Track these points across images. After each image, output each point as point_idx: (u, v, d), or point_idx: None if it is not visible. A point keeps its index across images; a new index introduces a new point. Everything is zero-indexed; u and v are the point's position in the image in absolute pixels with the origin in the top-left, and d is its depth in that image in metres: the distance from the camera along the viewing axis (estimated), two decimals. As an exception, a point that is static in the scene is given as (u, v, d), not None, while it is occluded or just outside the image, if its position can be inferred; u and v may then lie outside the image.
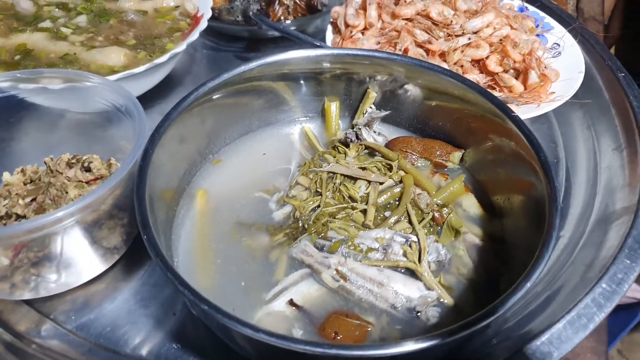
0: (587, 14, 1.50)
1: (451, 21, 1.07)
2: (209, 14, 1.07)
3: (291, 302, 0.72)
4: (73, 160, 0.89)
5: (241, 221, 0.83)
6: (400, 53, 1.04)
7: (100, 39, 1.04)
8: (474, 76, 1.05)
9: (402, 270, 0.75)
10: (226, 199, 0.86)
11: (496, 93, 1.04)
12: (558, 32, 1.18)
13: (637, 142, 0.88)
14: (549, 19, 1.21)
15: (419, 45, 1.06)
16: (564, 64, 1.09)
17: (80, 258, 0.76)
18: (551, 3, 1.25)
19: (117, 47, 1.00)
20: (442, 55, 1.06)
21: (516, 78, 1.06)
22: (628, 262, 0.68)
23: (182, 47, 0.98)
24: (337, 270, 0.74)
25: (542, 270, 0.57)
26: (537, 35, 1.16)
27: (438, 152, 0.91)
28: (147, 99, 1.10)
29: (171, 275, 0.57)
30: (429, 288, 0.72)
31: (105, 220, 0.78)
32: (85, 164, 0.88)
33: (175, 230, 0.81)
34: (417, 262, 0.74)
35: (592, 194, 0.89)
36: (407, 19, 1.11)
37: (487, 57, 1.05)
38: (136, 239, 0.85)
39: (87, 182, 0.85)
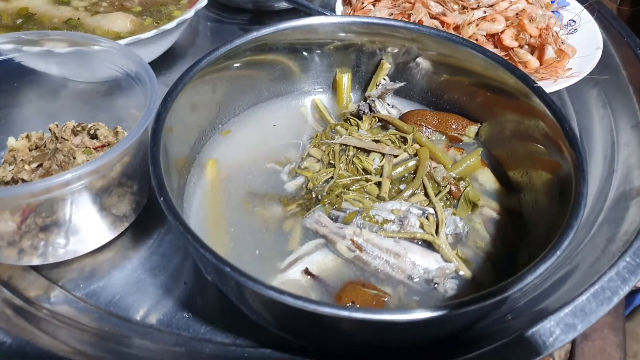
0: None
1: (466, -6, 1.04)
2: (217, -19, 1.04)
3: (306, 271, 0.70)
4: (78, 128, 0.87)
5: (253, 191, 0.80)
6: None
7: (104, 4, 1.01)
8: (489, 50, 1.02)
9: (420, 242, 0.73)
10: (237, 169, 0.84)
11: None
12: (574, 9, 1.15)
13: (657, 119, 0.86)
14: (564, -5, 1.18)
15: (434, 17, 1.04)
16: (581, 41, 1.07)
17: (88, 225, 0.74)
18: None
19: (123, 13, 0.97)
20: (457, 28, 1.04)
21: (531, 54, 1.04)
22: (651, 236, 0.67)
23: (190, 13, 0.95)
24: (352, 241, 0.72)
25: (571, 240, 0.56)
26: (553, 11, 1.14)
27: (453, 126, 0.90)
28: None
29: (191, 237, 0.55)
30: (446, 260, 0.71)
31: (115, 188, 0.76)
32: (92, 132, 0.85)
33: (187, 198, 0.79)
34: (434, 234, 0.73)
35: (610, 172, 0.88)
36: (421, -9, 1.08)
37: (502, 32, 1.03)
38: (145, 208, 0.83)
39: (94, 149, 0.82)
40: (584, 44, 1.06)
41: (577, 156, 0.65)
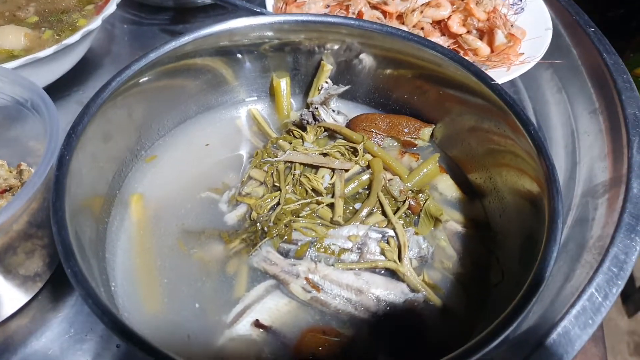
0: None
1: (407, -22, 0.96)
2: (126, -20, 0.90)
3: (257, 323, 0.61)
4: (-28, 170, 0.73)
5: (188, 229, 0.70)
6: (354, 17, 0.92)
7: (-8, 16, 0.85)
8: (436, 39, 0.95)
9: (382, 272, 0.65)
10: (167, 203, 0.73)
11: (461, 57, 0.94)
12: (518, -13, 1.09)
13: (616, 104, 0.81)
14: (507, -27, 1.12)
15: (374, 7, 0.94)
16: (529, 21, 1.01)
17: (-12, 293, 0.61)
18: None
19: (15, 26, 0.82)
20: (400, 17, 0.95)
21: (480, 39, 0.97)
22: (628, 241, 0.62)
23: (96, 22, 0.81)
24: (307, 279, 0.63)
25: (552, 266, 0.49)
26: (498, -9, 1.07)
27: (406, 130, 0.82)
28: (61, 88, 0.93)
29: (107, 318, 0.44)
30: (413, 290, 0.63)
31: (21, 243, 0.63)
32: (-12, 174, 0.72)
33: (110, 247, 0.67)
34: (397, 260, 0.65)
35: (573, 163, 0.83)
36: (357, -22, 0.98)
37: (448, 18, 0.95)
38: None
39: (-10, 197, 0.69)
40: (532, 24, 1.00)
41: (546, 164, 0.59)
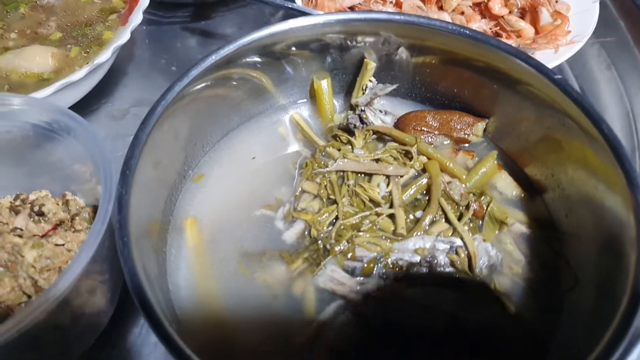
0: None
1: (443, -41, 0.90)
2: (148, -15, 0.85)
3: (333, 349, 0.59)
4: (17, 203, 0.71)
5: (247, 251, 0.68)
6: (393, 6, 0.87)
7: (13, 36, 0.80)
8: (477, 24, 0.90)
9: (455, 284, 0.64)
10: (222, 225, 0.70)
11: (504, 40, 0.89)
12: (555, -45, 1.02)
13: (676, 82, 0.77)
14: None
15: (412, -7, 0.89)
16: (571, -7, 0.96)
17: (60, 339, 0.60)
18: None
19: (40, 46, 0.77)
20: (439, 1, 0.90)
21: (522, 18, 0.92)
22: None
23: (125, 35, 0.77)
24: (377, 299, 0.62)
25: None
26: (535, -38, 1.01)
27: (458, 126, 0.78)
28: (88, 102, 0.89)
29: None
30: (488, 302, 0.62)
31: (82, 282, 0.61)
32: (36, 207, 0.70)
33: (171, 277, 0.66)
34: (468, 271, 0.63)
35: (632, 147, 0.79)
36: (390, -37, 0.92)
37: (489, -1, 0.90)
38: (124, 290, 0.69)
39: (42, 236, 0.67)
40: (575, -4, 0.95)
41: (626, 169, 0.56)
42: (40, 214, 0.69)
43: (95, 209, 0.72)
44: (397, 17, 0.73)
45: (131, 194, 0.56)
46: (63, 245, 0.65)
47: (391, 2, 0.87)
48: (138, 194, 0.58)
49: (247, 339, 0.61)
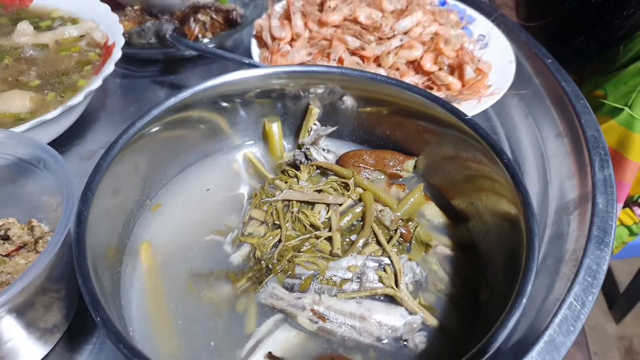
0: (499, 1, 1.54)
1: (380, 24, 1.04)
2: (121, 41, 0.96)
3: (270, 356, 0.65)
4: (-17, 229, 0.77)
5: (196, 272, 0.74)
6: (336, 63, 1.00)
7: (-5, 82, 0.90)
8: (411, 78, 1.03)
9: (381, 298, 0.71)
10: (175, 249, 0.77)
11: (435, 92, 1.02)
12: (481, 23, 1.19)
13: (577, 128, 0.89)
14: (470, 11, 1.22)
15: (353, 53, 1.02)
16: (493, 55, 1.10)
17: (12, 349, 0.64)
18: (470, -5, 1.26)
19: (20, 91, 0.87)
20: (377, 59, 1.03)
21: (451, 74, 1.05)
22: (598, 252, 0.69)
23: (97, 82, 0.87)
24: (313, 311, 0.68)
25: (533, 280, 0.55)
26: (463, 28, 1.17)
27: (391, 163, 0.88)
28: (61, 143, 0.97)
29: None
30: (411, 313, 0.69)
31: (38, 297, 0.67)
32: (1, 232, 0.75)
33: (125, 294, 0.71)
34: (394, 286, 0.71)
35: (545, 183, 0.90)
36: (335, 26, 1.06)
37: (421, 57, 1.04)
38: (79, 307, 0.74)
39: (6, 255, 0.73)
40: (497, 57, 1.09)
41: (520, 190, 0.66)
42: (6, 237, 0.75)
43: (58, 233, 0.78)
44: (335, 69, 0.84)
45: (90, 212, 0.63)
46: (25, 264, 0.71)
47: (334, 60, 1.00)
48: (97, 215, 0.65)
49: (193, 352, 0.66)
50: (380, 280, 0.71)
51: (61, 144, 0.97)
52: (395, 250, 0.75)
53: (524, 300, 0.54)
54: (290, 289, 0.71)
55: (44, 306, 0.68)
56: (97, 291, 0.56)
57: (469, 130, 0.75)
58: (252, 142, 0.94)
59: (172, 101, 0.77)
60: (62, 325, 0.71)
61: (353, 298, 0.70)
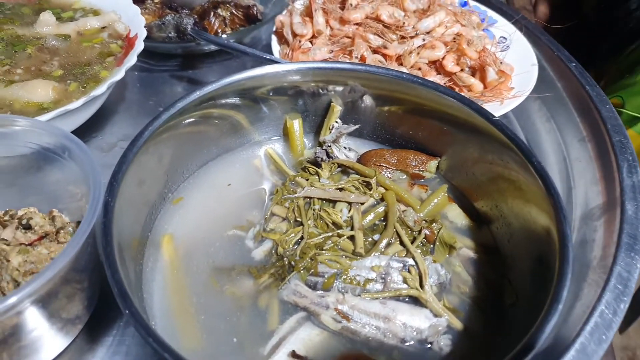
0: (517, 4, 1.54)
1: (403, 23, 1.03)
2: (143, 33, 0.96)
3: (293, 354, 0.64)
4: (6, 217, 0.76)
5: (218, 266, 0.74)
6: (358, 61, 0.99)
7: (19, 71, 0.89)
8: (432, 78, 1.02)
9: (406, 299, 0.70)
10: (196, 242, 0.77)
11: (457, 93, 1.01)
12: (502, 25, 1.18)
13: (603, 133, 0.89)
14: (491, 12, 1.21)
15: (375, 51, 1.02)
16: (515, 57, 1.10)
17: (36, 339, 0.64)
18: (490, -4, 1.25)
19: (43, 80, 0.86)
20: (399, 58, 1.02)
21: (473, 76, 1.04)
22: (629, 259, 0.68)
23: (120, 73, 0.86)
24: (337, 310, 0.68)
25: (569, 287, 0.54)
26: (484, 30, 1.16)
27: (413, 163, 0.88)
28: (80, 134, 0.94)
29: (168, 354, 0.48)
30: (436, 315, 0.68)
31: (62, 287, 0.66)
32: (24, 221, 0.75)
33: (147, 287, 0.71)
34: (419, 288, 0.70)
35: (568, 188, 0.89)
36: (357, 24, 1.06)
37: (443, 58, 1.03)
38: (100, 299, 0.73)
39: (29, 244, 0.72)
40: (518, 60, 1.09)
41: (552, 193, 0.65)
42: (28, 227, 0.74)
43: (79, 224, 0.78)
44: (359, 67, 0.84)
45: (116, 203, 0.63)
46: (47, 254, 0.70)
47: (356, 57, 0.99)
48: (122, 206, 0.64)
49: (215, 347, 0.66)
50: (405, 281, 0.71)
51: (80, 135, 0.95)
52: (419, 251, 0.74)
53: (560, 307, 0.53)
54: (313, 286, 0.71)
55: (67, 296, 0.67)
56: (125, 283, 0.56)
57: (497, 132, 0.74)
58: (273, 138, 0.93)
59: (198, 94, 0.77)
60: (83, 317, 0.70)
61: (377, 298, 0.69)
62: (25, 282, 0.59)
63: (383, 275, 0.71)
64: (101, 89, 0.82)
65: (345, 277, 0.71)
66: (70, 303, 0.67)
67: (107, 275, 0.55)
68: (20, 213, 0.77)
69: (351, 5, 1.07)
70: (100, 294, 0.74)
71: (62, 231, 0.75)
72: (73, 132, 0.91)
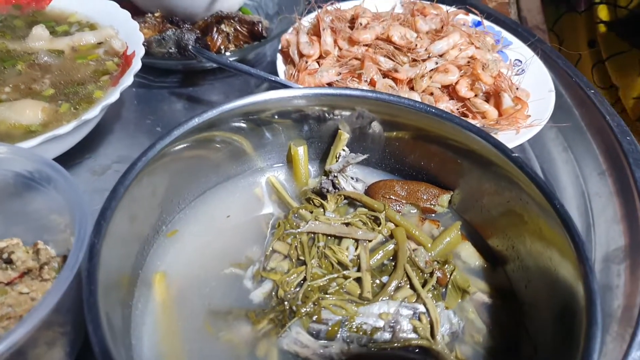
0: (530, 23, 1.49)
1: (415, 45, 0.99)
2: (141, 51, 0.91)
3: (293, 412, 0.59)
4: (-15, 251, 0.71)
5: (214, 309, 0.68)
6: (367, 85, 0.94)
7: (7, 90, 0.84)
8: (445, 104, 0.97)
9: (416, 350, 0.65)
10: (191, 281, 0.71)
11: (470, 120, 0.96)
12: (517, 48, 1.13)
13: (624, 166, 0.83)
14: (505, 33, 1.16)
15: (385, 74, 0.97)
16: (530, 82, 1.05)
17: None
18: (505, 17, 1.21)
19: (32, 100, 0.81)
20: (410, 82, 0.97)
21: (487, 102, 0.99)
22: (658, 313, 0.63)
23: (114, 95, 0.81)
24: (341, 362, 0.62)
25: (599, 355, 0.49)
26: (498, 52, 1.11)
27: (424, 197, 0.82)
28: (72, 156, 0.92)
29: None
30: (448, 369, 0.63)
31: (42, 333, 0.61)
32: (4, 255, 0.70)
33: (136, 332, 0.65)
34: (430, 338, 0.65)
35: (588, 225, 0.84)
36: (366, 45, 1.01)
37: (456, 82, 0.98)
38: (86, 341, 0.68)
39: (8, 283, 0.67)
40: (534, 85, 1.04)
41: (576, 242, 0.59)
42: (9, 261, 0.69)
43: (65, 258, 0.72)
44: (369, 94, 0.79)
45: (103, 244, 0.57)
46: (27, 294, 0.65)
47: (366, 81, 0.95)
48: (111, 245, 0.59)
49: (207, 399, 0.61)
50: (415, 330, 0.65)
51: (72, 157, 0.92)
52: (431, 296, 0.69)
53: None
54: (316, 335, 0.65)
55: (47, 343, 0.62)
56: (104, 329, 0.50)
57: (515, 169, 0.69)
58: (276, 165, 0.88)
59: (196, 121, 0.72)
60: (65, 364, 0.65)
61: (385, 349, 0.64)
62: (1, 336, 0.54)
63: (392, 324, 0.66)
64: (93, 112, 0.77)
65: (351, 325, 0.65)
66: (51, 350, 0.62)
67: (88, 330, 0.50)
68: (2, 245, 0.71)
69: (361, 24, 1.03)
70: (86, 336, 0.68)
71: (46, 267, 0.70)
72: (64, 154, 0.87)
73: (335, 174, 0.83)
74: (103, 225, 0.58)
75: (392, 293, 0.69)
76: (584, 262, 0.58)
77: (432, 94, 0.98)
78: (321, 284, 0.69)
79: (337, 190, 0.82)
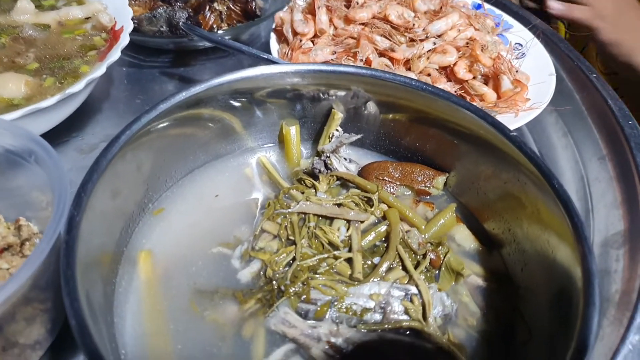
0: (529, 5, 1.46)
1: (412, 24, 0.96)
2: (130, 26, 0.88)
3: (279, 393, 0.57)
4: (-35, 226, 0.69)
5: (200, 288, 0.66)
6: (362, 64, 0.92)
7: (-10, 63, 0.82)
8: (443, 85, 0.95)
9: (407, 332, 0.63)
10: (177, 260, 0.69)
11: (468, 103, 0.94)
12: (517, 31, 1.11)
13: (625, 151, 0.81)
14: (506, 17, 1.14)
15: (381, 54, 0.94)
16: (531, 66, 1.02)
17: (-14, 369, 0.57)
18: None
19: (15, 74, 0.78)
20: (407, 63, 0.95)
21: (485, 84, 0.97)
22: (657, 297, 0.61)
23: (101, 69, 0.79)
24: (329, 343, 0.60)
25: (594, 337, 0.47)
26: (499, 35, 1.08)
27: (419, 178, 0.80)
28: (59, 133, 0.89)
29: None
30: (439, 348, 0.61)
31: (20, 309, 0.59)
32: (-16, 231, 0.67)
33: (119, 310, 0.63)
34: (422, 320, 0.63)
35: (586, 210, 0.82)
36: (362, 24, 0.98)
37: (455, 64, 0.95)
38: (66, 321, 0.66)
39: (-12, 259, 0.65)
40: (535, 69, 1.02)
41: (574, 222, 0.57)
42: (-12, 237, 0.67)
43: (47, 236, 0.70)
44: (364, 71, 0.76)
45: (83, 217, 0.55)
46: (7, 269, 0.63)
47: (361, 60, 0.92)
48: (91, 219, 0.57)
49: (191, 380, 0.59)
50: (406, 311, 0.63)
51: (59, 135, 0.90)
52: (423, 278, 0.67)
53: (587, 356, 0.46)
54: (304, 315, 0.63)
55: (26, 319, 0.60)
56: (86, 312, 0.48)
57: (513, 149, 0.67)
58: (267, 145, 0.86)
59: (184, 95, 0.69)
60: (44, 342, 0.63)
61: (375, 330, 0.62)
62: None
63: (382, 305, 0.64)
64: (79, 86, 0.75)
65: (340, 305, 0.63)
66: (30, 326, 0.60)
67: (64, 304, 0.48)
68: (-19, 221, 0.69)
69: (357, 3, 1.00)
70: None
71: (27, 243, 0.67)
72: (50, 131, 0.85)
73: (328, 155, 0.80)
74: (83, 198, 0.56)
75: (384, 274, 0.67)
76: (583, 242, 0.56)
77: (429, 75, 0.95)
78: (311, 264, 0.67)
79: (329, 171, 0.79)
